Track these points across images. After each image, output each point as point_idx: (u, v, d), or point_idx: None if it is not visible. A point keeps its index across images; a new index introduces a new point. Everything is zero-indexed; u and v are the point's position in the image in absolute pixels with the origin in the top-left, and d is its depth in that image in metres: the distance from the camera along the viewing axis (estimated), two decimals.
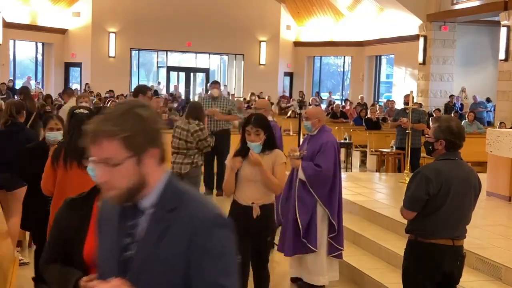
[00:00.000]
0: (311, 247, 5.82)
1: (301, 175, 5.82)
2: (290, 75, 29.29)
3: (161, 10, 25.71)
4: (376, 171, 13.23)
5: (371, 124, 15.47)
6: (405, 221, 4.27)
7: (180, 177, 7.70)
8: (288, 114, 18.74)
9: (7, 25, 22.98)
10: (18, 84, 24.73)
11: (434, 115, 16.06)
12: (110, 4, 25.52)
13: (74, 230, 2.60)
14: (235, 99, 19.47)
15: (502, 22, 17.72)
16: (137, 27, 25.64)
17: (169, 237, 1.85)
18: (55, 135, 5.16)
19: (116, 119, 1.86)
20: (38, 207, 4.84)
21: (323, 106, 23.94)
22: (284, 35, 28.26)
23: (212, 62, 29.31)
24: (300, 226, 5.81)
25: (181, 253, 1.83)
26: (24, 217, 5.51)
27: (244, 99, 21.55)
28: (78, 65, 26.46)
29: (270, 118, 7.63)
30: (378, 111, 18.88)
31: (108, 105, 14.92)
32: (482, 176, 4.98)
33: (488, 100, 21.67)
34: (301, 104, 11.92)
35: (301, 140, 7.45)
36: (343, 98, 27.01)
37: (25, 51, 27.45)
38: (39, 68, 26.83)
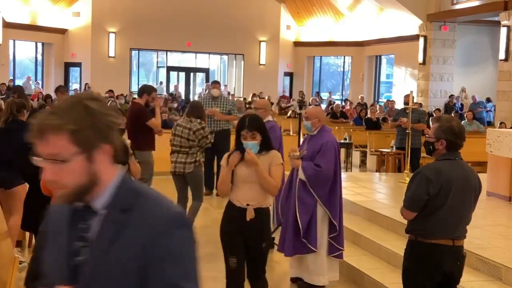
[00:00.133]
0: (311, 247, 5.82)
1: (301, 175, 5.82)
2: (290, 75, 29.29)
3: (161, 10, 25.70)
4: (376, 171, 13.23)
5: (371, 124, 15.47)
6: (405, 221, 4.27)
7: (183, 177, 7.77)
8: (288, 114, 18.74)
9: (7, 25, 22.99)
10: (18, 84, 24.77)
11: (434, 115, 16.06)
12: (110, 4, 25.52)
13: None
14: (235, 99, 19.47)
15: (502, 22, 17.73)
16: (137, 27, 25.63)
17: (124, 240, 1.73)
18: None
19: (64, 112, 1.72)
20: (38, 207, 4.84)
21: (323, 106, 23.93)
22: (284, 35, 28.26)
23: (212, 62, 29.30)
24: (300, 226, 5.81)
25: (137, 257, 1.71)
26: (24, 217, 5.50)
27: (244, 99, 21.54)
28: (78, 65, 26.46)
29: (270, 118, 7.65)
30: (378, 111, 18.88)
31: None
32: (482, 176, 4.98)
33: (488, 100, 21.66)
34: (301, 104, 11.89)
35: (301, 140, 7.44)
36: (343, 98, 27.01)
37: (25, 51, 27.45)
38: (39, 68, 26.83)
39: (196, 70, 28.78)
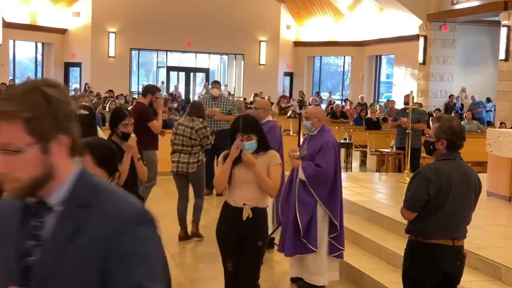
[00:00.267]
0: (311, 247, 5.82)
1: (301, 175, 5.82)
2: (290, 75, 29.29)
3: (161, 10, 25.70)
4: (376, 171, 13.23)
5: (371, 124, 15.47)
6: (405, 221, 4.27)
7: (186, 176, 7.79)
8: (288, 114, 18.74)
9: (7, 25, 22.99)
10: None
11: (434, 115, 16.07)
12: (110, 4, 25.51)
13: None
14: (235, 99, 19.46)
15: (502, 22, 17.72)
16: (137, 27, 25.63)
17: (82, 238, 1.59)
18: None
19: (18, 98, 1.57)
20: None
21: (323, 106, 23.93)
22: (284, 35, 28.25)
23: (212, 62, 29.31)
24: (300, 226, 5.81)
25: (97, 256, 1.58)
26: None
27: (244, 99, 21.53)
28: (78, 65, 26.45)
29: (270, 118, 7.65)
30: (378, 111, 18.88)
31: (107, 105, 14.94)
32: (482, 176, 4.98)
33: (489, 100, 21.66)
34: (301, 104, 11.89)
35: (301, 140, 7.44)
36: (343, 98, 27.01)
37: (25, 51, 27.45)
38: (39, 68, 26.82)
39: (196, 70, 28.78)
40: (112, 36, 25.91)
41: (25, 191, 1.61)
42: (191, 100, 24.43)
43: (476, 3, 19.12)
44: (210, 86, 12.31)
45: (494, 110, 20.15)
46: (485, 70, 22.68)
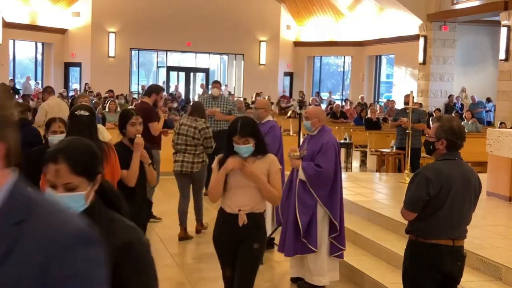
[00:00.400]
0: (311, 247, 5.82)
1: (301, 175, 5.82)
2: (290, 75, 29.29)
3: (161, 10, 25.71)
4: (376, 171, 13.23)
5: (371, 124, 15.47)
6: (405, 221, 4.27)
7: (189, 176, 7.84)
8: (288, 114, 18.73)
9: (7, 25, 22.98)
10: (18, 84, 24.77)
11: (434, 115, 16.07)
12: (110, 4, 25.51)
13: None
14: (235, 99, 19.47)
15: (502, 22, 17.72)
16: (137, 27, 25.63)
17: (15, 259, 1.38)
18: (58, 138, 5.06)
19: None
20: None
21: (323, 106, 23.93)
22: (284, 35, 28.25)
23: (212, 62, 29.31)
24: (300, 226, 5.81)
25: (33, 280, 1.37)
26: None
27: (244, 99, 21.53)
28: (78, 65, 26.45)
29: (270, 118, 7.65)
30: (378, 111, 18.88)
31: (107, 105, 14.94)
32: (482, 176, 4.98)
33: (489, 100, 21.67)
34: (301, 104, 11.92)
35: (301, 140, 7.44)
36: (343, 98, 27.01)
37: (25, 51, 27.46)
38: (39, 68, 26.82)
39: (196, 70, 28.78)
40: (112, 36, 25.91)
41: None
42: (191, 100, 24.46)
43: (476, 3, 19.11)
44: (210, 86, 12.31)
45: (494, 110, 20.15)
46: (485, 70, 22.68)
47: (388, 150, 12.88)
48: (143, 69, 29.32)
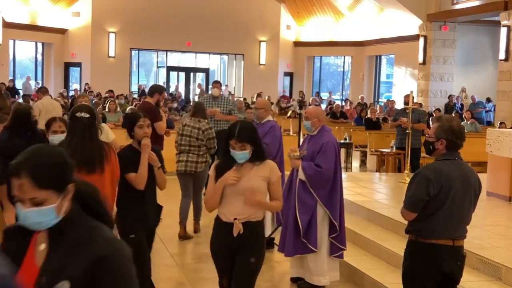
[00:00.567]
0: (311, 247, 5.83)
1: (301, 175, 5.82)
2: (290, 75, 29.29)
3: (161, 10, 25.71)
4: (376, 171, 13.23)
5: (371, 124, 15.48)
6: (405, 221, 4.27)
7: (192, 175, 7.89)
8: (288, 114, 18.73)
9: (7, 25, 22.98)
10: (18, 84, 24.78)
11: (434, 115, 16.07)
12: (110, 4, 25.51)
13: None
14: (235, 99, 19.46)
15: (502, 22, 17.72)
16: (137, 27, 25.64)
17: None
18: (59, 138, 5.03)
19: None
20: None
21: (323, 106, 23.94)
22: (284, 35, 28.26)
23: (212, 62, 29.31)
24: (300, 226, 5.81)
25: None
26: None
27: (245, 99, 21.53)
28: (78, 65, 26.45)
29: (270, 118, 7.66)
30: (378, 111, 18.88)
31: (107, 105, 14.95)
32: (482, 176, 4.98)
33: (489, 100, 21.67)
34: (301, 104, 11.91)
35: (301, 140, 7.44)
36: (343, 98, 27.02)
37: (25, 51, 27.45)
38: (39, 68, 26.82)
39: (196, 70, 28.78)
40: (112, 36, 25.91)
41: None
42: (191, 100, 24.47)
43: (476, 3, 19.11)
44: (210, 86, 12.30)
45: (494, 110, 20.15)
46: (485, 70, 22.68)
47: (388, 150, 12.88)
48: (143, 69, 29.32)
